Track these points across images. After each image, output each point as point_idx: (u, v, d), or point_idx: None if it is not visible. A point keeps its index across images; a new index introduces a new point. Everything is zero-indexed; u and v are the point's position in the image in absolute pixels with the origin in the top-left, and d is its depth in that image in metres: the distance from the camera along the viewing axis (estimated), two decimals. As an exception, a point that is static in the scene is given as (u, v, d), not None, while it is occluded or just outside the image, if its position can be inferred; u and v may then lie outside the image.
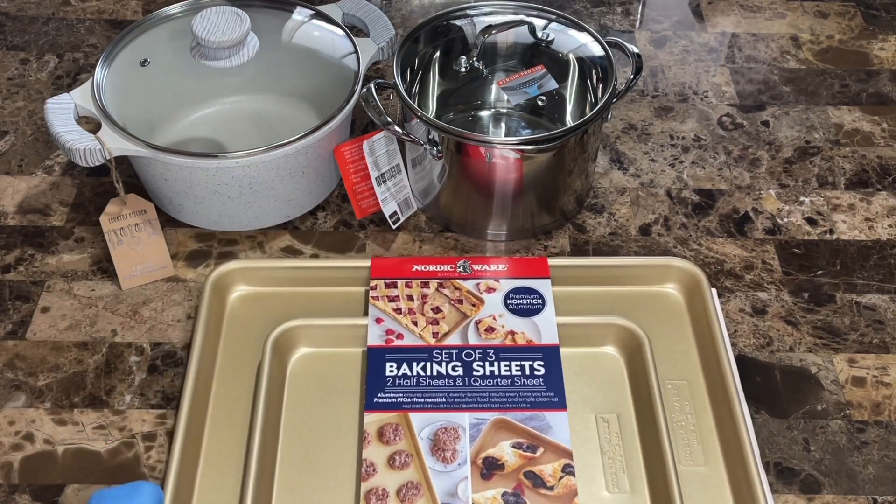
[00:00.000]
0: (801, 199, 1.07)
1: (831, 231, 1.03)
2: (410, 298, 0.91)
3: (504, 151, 0.93)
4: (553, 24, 1.04)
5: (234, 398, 0.87)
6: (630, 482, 0.82)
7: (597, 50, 1.01)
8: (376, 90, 0.95)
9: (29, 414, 0.86)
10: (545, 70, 1.01)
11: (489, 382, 0.85)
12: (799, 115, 1.17)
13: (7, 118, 1.14)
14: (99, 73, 0.99)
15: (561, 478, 0.79)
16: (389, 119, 0.94)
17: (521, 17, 1.04)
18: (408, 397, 0.84)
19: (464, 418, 0.82)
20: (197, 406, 0.84)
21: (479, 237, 1.02)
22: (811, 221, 1.04)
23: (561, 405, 0.83)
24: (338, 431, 0.85)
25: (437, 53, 1.04)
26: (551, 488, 0.78)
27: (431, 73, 1.03)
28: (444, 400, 0.83)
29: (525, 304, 0.91)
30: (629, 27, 1.29)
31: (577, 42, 1.03)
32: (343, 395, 0.87)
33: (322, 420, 0.85)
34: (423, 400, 0.83)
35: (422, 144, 0.95)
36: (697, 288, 0.93)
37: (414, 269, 0.93)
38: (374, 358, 0.86)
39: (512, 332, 0.88)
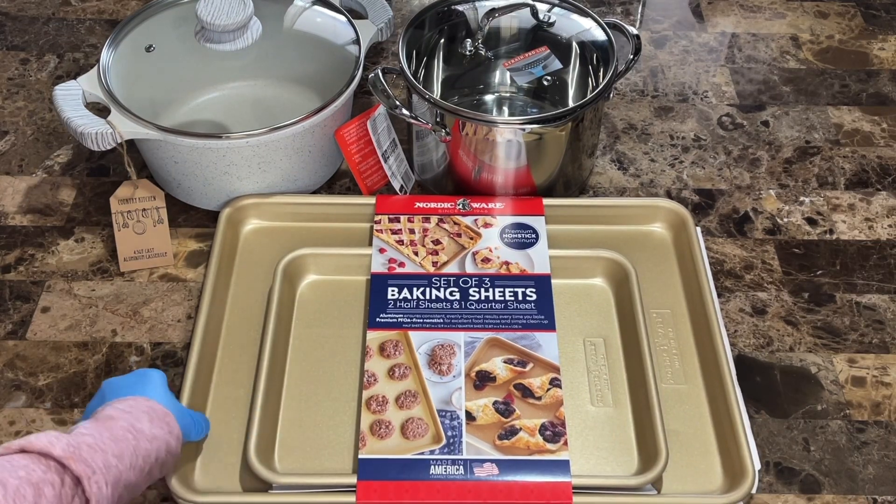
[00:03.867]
0: (801, 199, 1.07)
1: (831, 231, 1.03)
2: (412, 232, 0.96)
3: (508, 130, 0.94)
4: (556, 9, 1.05)
5: (246, 320, 0.93)
6: (613, 397, 0.87)
7: (598, 34, 1.03)
8: (383, 75, 0.96)
9: (29, 414, 0.86)
10: (549, 51, 1.02)
11: (484, 306, 0.90)
12: (799, 115, 1.17)
13: (7, 118, 1.14)
14: (105, 58, 0.99)
15: (548, 389, 0.84)
16: (398, 102, 0.95)
17: None
18: (408, 318, 0.89)
19: (459, 337, 0.88)
20: (211, 329, 0.90)
21: None
22: (811, 221, 1.04)
23: (550, 327, 0.89)
24: (342, 348, 0.90)
25: (442, 38, 1.05)
26: (539, 398, 0.83)
27: (436, 58, 1.05)
28: (442, 320, 0.89)
29: (520, 238, 0.96)
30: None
31: (579, 26, 1.04)
32: (348, 317, 0.93)
33: (328, 338, 0.91)
34: (421, 320, 0.89)
35: (430, 127, 0.95)
36: (683, 226, 0.99)
37: (416, 206, 0.99)
38: (377, 283, 0.92)
39: (506, 263, 0.94)
